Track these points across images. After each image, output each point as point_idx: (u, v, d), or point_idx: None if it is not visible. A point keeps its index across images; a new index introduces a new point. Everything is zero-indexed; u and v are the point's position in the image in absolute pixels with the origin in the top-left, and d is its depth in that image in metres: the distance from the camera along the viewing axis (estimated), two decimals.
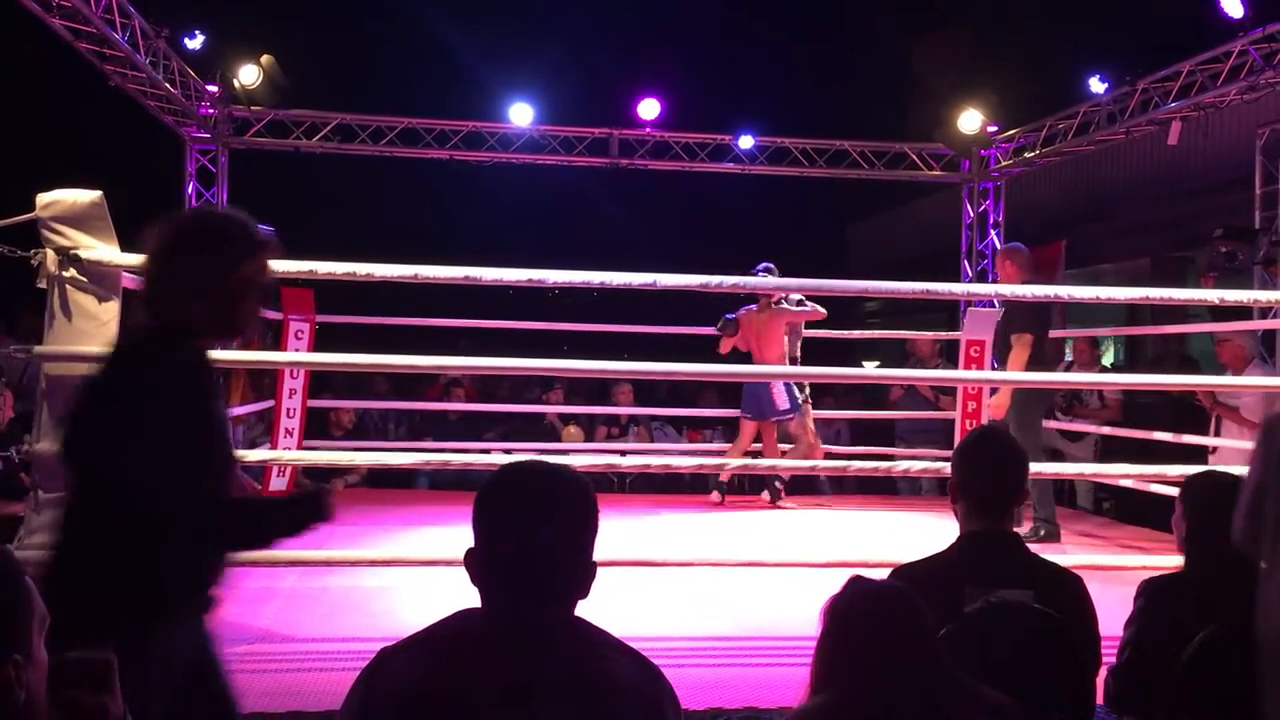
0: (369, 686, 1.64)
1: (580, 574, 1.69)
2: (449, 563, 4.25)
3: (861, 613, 1.91)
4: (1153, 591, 2.61)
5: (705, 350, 7.97)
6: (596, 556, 1.73)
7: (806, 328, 7.76)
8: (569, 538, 1.68)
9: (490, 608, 1.68)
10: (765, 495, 7.66)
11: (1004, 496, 2.57)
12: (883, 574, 2.24)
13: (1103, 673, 2.50)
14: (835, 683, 1.88)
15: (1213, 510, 2.62)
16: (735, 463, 6.54)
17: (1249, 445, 6.09)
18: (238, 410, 7.47)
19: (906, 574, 2.42)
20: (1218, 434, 6.55)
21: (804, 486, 7.91)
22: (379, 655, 1.67)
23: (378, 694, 1.61)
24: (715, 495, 7.59)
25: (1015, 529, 2.62)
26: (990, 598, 2.31)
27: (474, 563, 1.69)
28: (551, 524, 1.66)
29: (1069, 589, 2.50)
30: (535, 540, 1.65)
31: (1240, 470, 4.24)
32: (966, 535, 2.55)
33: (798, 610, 4.29)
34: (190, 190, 8.74)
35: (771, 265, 7.18)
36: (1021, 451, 2.71)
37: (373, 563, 4.72)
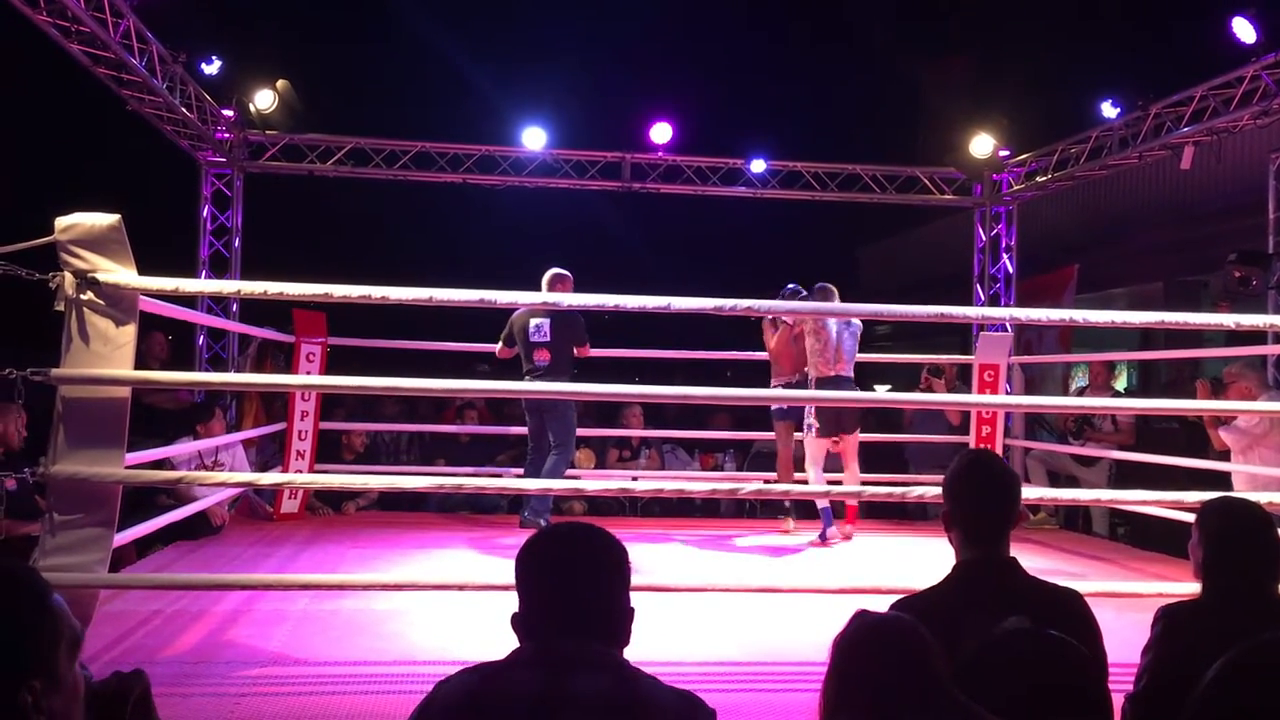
0: (425, 707, 1.77)
1: (619, 619, 1.82)
2: (460, 587, 4.25)
3: (867, 646, 1.91)
4: (1170, 618, 2.59)
5: (717, 373, 7.94)
6: None
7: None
8: (606, 589, 1.82)
9: (535, 643, 1.78)
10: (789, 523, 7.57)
11: (995, 522, 2.56)
12: (891, 601, 2.23)
13: (1119, 700, 2.48)
14: (844, 714, 1.87)
15: (1229, 536, 2.60)
16: (781, 488, 6.68)
17: (1261, 469, 6.08)
18: (251, 433, 7.50)
19: (904, 608, 2.40)
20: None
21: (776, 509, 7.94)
22: (436, 685, 1.80)
23: (432, 711, 1.76)
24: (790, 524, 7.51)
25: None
26: (992, 628, 2.30)
27: (519, 621, 1.82)
28: (590, 579, 1.81)
29: (1070, 607, 2.49)
30: (576, 594, 1.79)
31: (1259, 496, 4.21)
32: (961, 565, 2.54)
33: (807, 635, 4.28)
34: (205, 213, 8.81)
35: (797, 286, 7.17)
36: (1012, 474, 2.70)
37: (384, 587, 4.72)
